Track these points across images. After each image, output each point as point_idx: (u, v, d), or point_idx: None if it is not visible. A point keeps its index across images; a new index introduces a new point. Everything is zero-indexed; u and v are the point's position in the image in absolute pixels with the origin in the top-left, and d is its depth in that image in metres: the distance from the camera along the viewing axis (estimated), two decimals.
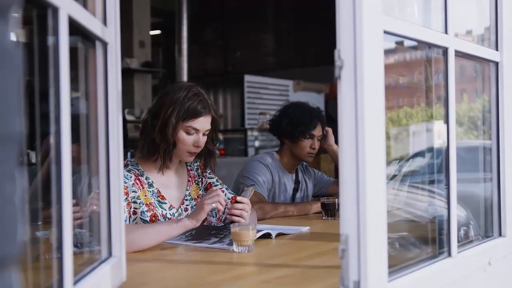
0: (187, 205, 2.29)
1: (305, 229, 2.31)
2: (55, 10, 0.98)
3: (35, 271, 1.13)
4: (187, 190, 2.32)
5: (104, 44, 1.33)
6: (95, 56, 1.32)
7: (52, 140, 1.00)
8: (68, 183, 1.00)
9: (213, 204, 1.96)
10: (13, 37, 0.56)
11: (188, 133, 2.16)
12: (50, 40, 1.00)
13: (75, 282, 1.07)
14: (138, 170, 2.19)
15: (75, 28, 1.10)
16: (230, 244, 1.87)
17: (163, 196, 2.21)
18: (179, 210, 2.25)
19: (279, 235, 2.14)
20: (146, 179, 2.19)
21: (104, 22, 1.33)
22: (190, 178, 2.35)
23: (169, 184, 2.26)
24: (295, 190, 3.08)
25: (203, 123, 2.18)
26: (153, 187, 2.20)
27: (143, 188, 2.16)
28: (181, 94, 2.15)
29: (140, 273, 1.59)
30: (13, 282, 0.55)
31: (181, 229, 1.95)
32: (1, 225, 0.53)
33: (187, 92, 2.17)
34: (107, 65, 1.34)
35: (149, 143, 2.17)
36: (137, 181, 2.15)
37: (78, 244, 1.32)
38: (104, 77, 1.34)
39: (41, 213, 1.24)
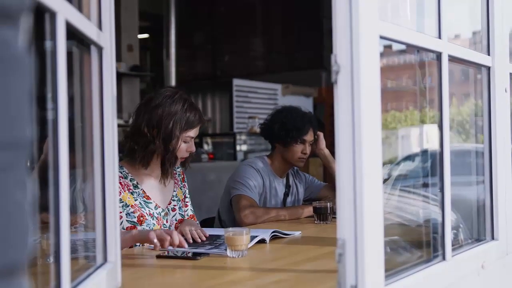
0: (174, 205, 2.37)
1: (297, 233, 2.31)
2: (53, 14, 0.97)
3: (30, 276, 1.12)
4: (174, 191, 2.39)
5: (100, 49, 1.32)
6: (90, 60, 1.32)
7: (49, 144, 0.99)
8: (66, 188, 0.99)
9: (155, 240, 1.90)
10: (23, 42, 0.55)
11: (185, 142, 2.27)
12: (47, 44, 0.99)
13: None
14: (121, 173, 2.23)
15: (71, 33, 1.09)
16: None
17: (148, 196, 2.27)
18: (166, 209, 2.32)
19: (273, 238, 2.14)
20: (130, 180, 2.25)
21: (100, 26, 1.32)
22: (176, 180, 2.43)
23: (155, 186, 2.32)
24: (286, 195, 3.08)
25: (197, 130, 2.31)
26: (139, 188, 2.25)
27: (125, 191, 2.21)
28: (178, 107, 2.23)
29: (135, 278, 1.58)
30: None
31: (131, 242, 2.02)
32: (13, 232, 0.53)
33: (183, 103, 2.25)
34: (102, 70, 1.33)
35: (150, 154, 2.23)
36: (119, 184, 2.18)
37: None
38: (99, 82, 1.33)
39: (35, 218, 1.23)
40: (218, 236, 2.15)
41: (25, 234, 0.55)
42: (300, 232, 2.33)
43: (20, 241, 0.54)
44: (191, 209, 2.48)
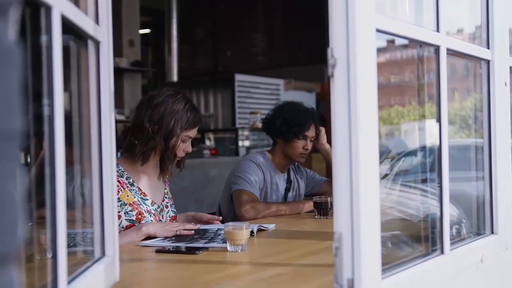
0: (166, 203, 2.42)
1: (271, 226, 2.34)
2: (48, 8, 0.97)
3: (27, 271, 1.12)
4: (165, 189, 2.44)
5: (97, 43, 1.32)
6: (87, 55, 1.32)
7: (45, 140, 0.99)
8: (62, 183, 0.99)
9: (177, 232, 2.10)
10: (12, 35, 0.56)
11: (183, 141, 2.29)
12: (43, 39, 0.99)
13: (69, 282, 1.07)
14: (117, 172, 2.24)
15: (67, 27, 1.09)
16: (225, 241, 1.87)
17: (144, 193, 2.30)
18: (161, 206, 2.36)
19: (258, 231, 2.18)
20: (126, 179, 2.27)
21: (97, 21, 1.32)
22: (166, 179, 2.46)
23: (149, 183, 2.35)
24: (287, 190, 3.08)
25: (196, 131, 2.34)
26: (134, 186, 2.28)
27: (124, 188, 2.23)
28: (180, 106, 2.26)
29: (133, 273, 1.58)
30: (14, 279, 0.56)
31: (142, 236, 2.07)
32: (3, 222, 0.53)
33: (184, 103, 2.28)
34: (100, 65, 1.33)
35: (150, 150, 2.25)
36: (117, 183, 2.19)
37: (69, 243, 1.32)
38: (97, 77, 1.33)
39: (34, 214, 1.23)
40: (206, 230, 2.17)
41: (15, 224, 0.55)
42: (275, 225, 2.35)
43: (10, 232, 0.55)
44: (172, 211, 2.50)
